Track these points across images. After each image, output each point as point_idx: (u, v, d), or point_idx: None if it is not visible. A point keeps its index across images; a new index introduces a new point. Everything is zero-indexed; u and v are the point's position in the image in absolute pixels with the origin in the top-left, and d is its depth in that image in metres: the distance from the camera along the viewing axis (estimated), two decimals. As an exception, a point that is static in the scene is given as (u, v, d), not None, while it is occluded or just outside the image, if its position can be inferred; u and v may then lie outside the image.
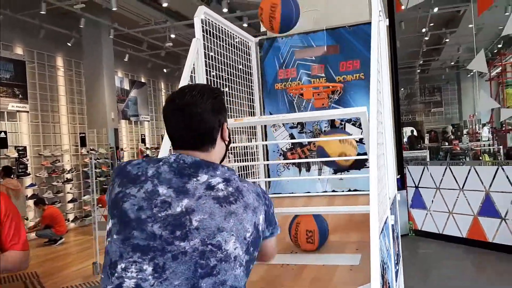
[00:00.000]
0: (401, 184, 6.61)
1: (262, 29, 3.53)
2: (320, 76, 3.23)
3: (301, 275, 2.13)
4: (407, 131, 17.38)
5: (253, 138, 3.24)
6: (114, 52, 11.15)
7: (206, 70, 2.51)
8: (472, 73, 20.59)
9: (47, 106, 10.17)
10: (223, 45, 2.81)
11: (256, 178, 3.17)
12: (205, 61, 2.51)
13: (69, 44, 10.63)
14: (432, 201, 6.43)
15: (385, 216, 2.06)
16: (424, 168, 6.62)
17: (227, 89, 2.91)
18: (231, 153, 2.87)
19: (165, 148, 1.98)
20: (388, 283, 1.87)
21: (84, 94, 11.01)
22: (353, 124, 3.17)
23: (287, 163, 3.27)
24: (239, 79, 3.08)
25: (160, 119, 15.49)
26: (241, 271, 1.13)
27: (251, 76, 3.24)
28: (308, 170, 3.26)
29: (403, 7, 7.35)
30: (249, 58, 3.25)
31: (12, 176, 8.11)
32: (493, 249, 5.56)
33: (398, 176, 6.09)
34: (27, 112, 9.53)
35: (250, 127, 3.20)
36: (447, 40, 14.83)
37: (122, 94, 13.06)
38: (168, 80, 15.95)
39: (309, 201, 3.05)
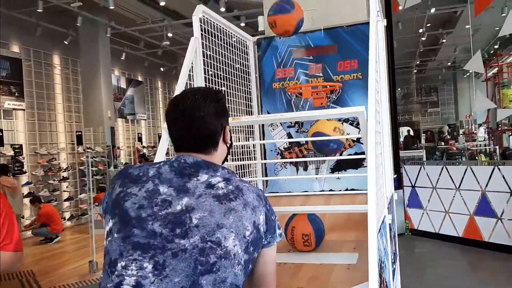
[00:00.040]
0: (398, 183, 6.63)
1: (260, 28, 3.54)
2: (318, 75, 3.24)
3: (298, 274, 2.13)
4: (403, 131, 17.43)
5: (250, 137, 3.25)
6: (111, 51, 11.13)
7: (204, 69, 2.51)
8: (468, 74, 20.70)
9: (44, 104, 10.14)
10: (221, 44, 2.81)
11: (253, 177, 3.18)
12: (203, 60, 2.52)
13: (66, 42, 10.60)
14: (429, 200, 6.45)
15: (383, 215, 2.07)
16: (420, 167, 6.64)
17: (225, 88, 2.91)
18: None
19: (162, 150, 1.98)
20: (386, 281, 1.88)
21: (81, 92, 10.98)
22: (351, 124, 3.18)
23: (284, 162, 3.28)
24: (237, 78, 3.08)
25: (156, 118, 15.48)
26: (239, 269, 1.13)
27: (249, 75, 3.25)
28: (305, 169, 3.27)
29: (400, 8, 7.37)
30: (247, 57, 3.25)
31: (8, 174, 8.08)
32: (489, 249, 5.59)
33: (395, 176, 6.10)
34: (23, 110, 9.50)
35: (247, 126, 3.20)
36: (443, 40, 14.88)
37: (119, 93, 13.04)
38: (165, 78, 15.93)
39: (306, 200, 3.05)
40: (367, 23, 3.04)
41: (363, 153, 3.02)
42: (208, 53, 2.61)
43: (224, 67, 2.88)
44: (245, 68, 3.21)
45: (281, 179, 3.23)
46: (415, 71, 21.18)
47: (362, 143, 3.09)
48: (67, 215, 10.30)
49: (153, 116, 15.19)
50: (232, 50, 3.04)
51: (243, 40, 3.21)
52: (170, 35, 11.22)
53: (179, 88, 2.22)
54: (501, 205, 5.53)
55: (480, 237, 5.76)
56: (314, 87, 3.12)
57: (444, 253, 5.81)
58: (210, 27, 2.62)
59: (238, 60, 3.10)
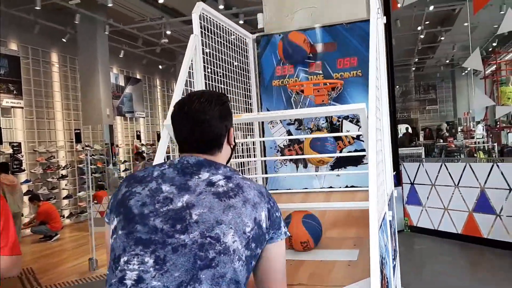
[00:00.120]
0: (397, 180, 6.64)
1: (259, 25, 3.54)
2: (318, 73, 3.24)
3: (299, 271, 2.14)
4: (401, 128, 17.45)
5: (248, 135, 3.24)
6: (109, 48, 11.10)
7: (204, 66, 2.51)
8: (466, 71, 20.70)
9: (42, 102, 10.13)
10: (220, 42, 2.81)
11: (253, 174, 3.18)
12: (203, 58, 2.51)
13: (64, 40, 10.57)
14: (428, 197, 6.47)
15: (383, 212, 2.07)
16: (419, 165, 6.66)
17: (224, 85, 2.91)
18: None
19: (162, 150, 1.98)
20: (387, 278, 1.89)
21: (79, 90, 10.95)
22: (350, 121, 3.18)
23: (284, 160, 3.28)
24: (236, 75, 3.08)
25: (155, 116, 15.46)
26: (240, 265, 1.14)
27: (248, 73, 3.25)
28: (305, 166, 3.27)
29: (399, 5, 7.37)
30: (247, 55, 3.25)
31: (8, 172, 8.08)
32: (487, 245, 5.61)
33: (394, 173, 6.11)
34: (22, 108, 9.48)
35: (247, 123, 3.20)
36: (442, 38, 14.89)
37: (117, 91, 13.02)
38: (163, 76, 15.91)
39: (306, 197, 3.06)
40: (367, 21, 3.05)
41: (362, 150, 3.03)
42: (208, 50, 2.61)
43: (224, 65, 2.88)
44: (245, 65, 3.20)
45: (281, 176, 3.23)
46: (414, 68, 21.19)
47: (362, 140, 3.10)
48: (66, 213, 10.30)
49: (151, 114, 15.17)
50: (232, 48, 3.03)
51: (243, 38, 3.20)
52: (168, 32, 11.20)
53: (179, 86, 2.22)
54: (500, 202, 5.54)
55: (479, 233, 5.78)
56: (315, 84, 3.11)
57: (443, 250, 5.82)
58: (209, 25, 2.62)
59: (237, 58, 3.09)
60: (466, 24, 10.75)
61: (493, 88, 10.83)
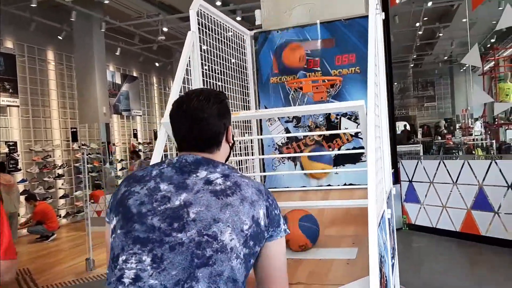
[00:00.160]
0: (395, 178, 6.63)
1: (257, 22, 3.51)
2: (316, 70, 3.21)
3: (298, 269, 2.12)
4: (400, 125, 17.45)
5: (246, 133, 3.22)
6: (105, 46, 11.04)
7: (202, 63, 2.48)
8: (465, 68, 20.72)
9: (38, 101, 10.07)
10: (218, 38, 2.78)
11: (251, 172, 3.15)
12: (201, 55, 2.49)
13: (60, 38, 10.51)
14: (426, 195, 6.46)
15: (382, 210, 2.05)
16: (417, 162, 6.65)
17: (222, 83, 2.88)
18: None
19: (159, 149, 1.96)
20: (385, 276, 1.87)
21: (75, 88, 10.90)
22: (349, 118, 3.16)
23: (282, 158, 3.25)
24: (234, 72, 3.05)
25: (152, 114, 15.42)
26: (238, 263, 1.13)
27: (246, 70, 3.22)
28: (303, 164, 3.25)
29: (397, 1, 7.36)
30: (244, 52, 3.22)
31: (5, 172, 8.04)
32: (486, 243, 5.60)
33: (392, 171, 6.11)
34: (18, 106, 9.43)
35: (245, 121, 3.18)
36: (440, 34, 14.87)
37: (114, 89, 12.97)
38: (160, 74, 15.86)
39: (304, 195, 3.04)
40: (365, 17, 3.03)
41: (361, 147, 3.01)
42: (205, 47, 2.58)
43: (221, 62, 2.85)
44: (242, 62, 3.18)
45: (279, 175, 3.21)
46: (412, 65, 21.19)
47: (360, 138, 3.08)
48: (62, 212, 10.26)
49: (148, 112, 15.13)
50: (229, 44, 3.01)
51: (240, 34, 3.17)
52: (165, 29, 11.15)
53: (176, 83, 2.19)
54: (498, 199, 5.53)
55: (477, 231, 5.77)
56: (314, 81, 3.09)
57: (441, 248, 5.82)
58: (207, 21, 2.59)
59: (235, 55, 3.06)
60: (464, 20, 10.73)
61: (491, 84, 10.82)
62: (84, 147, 9.96)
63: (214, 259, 1.11)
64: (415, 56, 19.42)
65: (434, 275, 4.82)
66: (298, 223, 2.24)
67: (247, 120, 3.19)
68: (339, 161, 3.14)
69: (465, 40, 11.86)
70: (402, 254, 4.71)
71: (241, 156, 3.03)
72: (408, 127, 18.57)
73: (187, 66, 2.32)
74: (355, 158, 3.09)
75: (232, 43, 3.06)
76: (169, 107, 2.09)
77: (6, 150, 8.86)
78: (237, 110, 3.00)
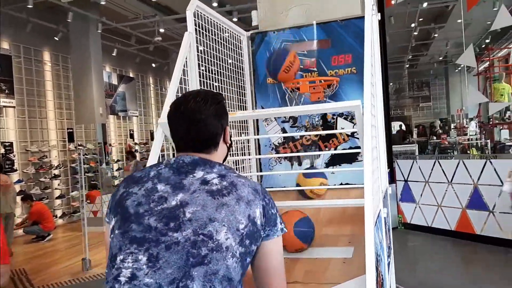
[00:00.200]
0: (391, 178, 6.66)
1: (254, 23, 3.52)
2: (312, 70, 3.23)
3: (294, 268, 2.13)
4: (395, 125, 17.51)
5: (243, 133, 3.23)
6: (102, 47, 11.02)
7: (198, 64, 2.49)
8: (460, 68, 20.80)
9: (34, 102, 10.05)
10: (215, 39, 2.79)
11: (248, 172, 3.17)
12: (197, 55, 2.50)
13: (56, 39, 10.49)
14: (421, 194, 6.50)
15: (378, 209, 2.07)
16: (413, 162, 6.68)
17: (219, 83, 2.89)
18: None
19: (156, 149, 1.97)
20: (382, 275, 1.89)
21: (72, 89, 10.88)
22: (345, 118, 3.18)
23: (279, 158, 3.27)
24: (231, 73, 3.07)
25: (148, 114, 15.40)
26: (233, 262, 1.14)
27: (242, 70, 3.23)
28: (300, 164, 3.27)
29: (393, 2, 7.39)
30: (241, 52, 3.24)
31: (1, 172, 8.00)
32: (481, 242, 5.64)
33: (388, 170, 6.14)
34: (14, 107, 9.41)
35: (241, 121, 3.19)
36: (435, 35, 14.93)
37: (110, 89, 12.95)
38: (156, 75, 15.84)
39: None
40: (361, 17, 3.05)
41: (357, 147, 3.03)
42: (202, 48, 2.59)
43: (218, 62, 2.86)
44: (239, 63, 3.19)
45: (275, 174, 3.23)
46: (407, 65, 21.24)
47: (356, 138, 3.10)
48: (58, 213, 10.24)
49: (145, 113, 15.10)
50: (226, 45, 3.02)
51: (237, 35, 3.19)
52: (162, 30, 11.14)
53: (173, 84, 2.20)
54: (493, 198, 5.57)
55: (472, 230, 5.81)
56: (311, 81, 3.11)
57: (436, 247, 5.85)
58: (203, 22, 2.61)
59: (232, 55, 3.08)
60: (459, 20, 10.78)
61: (486, 84, 10.88)
62: (80, 147, 9.94)
63: (209, 258, 1.12)
64: (410, 57, 19.48)
65: (429, 274, 4.85)
66: (293, 229, 2.22)
67: (244, 120, 3.21)
68: (335, 160, 3.16)
69: (460, 41, 11.91)
70: (398, 253, 4.73)
71: (238, 156, 3.04)
72: (403, 127, 18.64)
73: (184, 66, 2.33)
74: (351, 158, 3.11)
75: (229, 44, 3.07)
76: (166, 107, 2.11)
77: (2, 150, 8.83)
78: (234, 110, 3.01)
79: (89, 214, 8.72)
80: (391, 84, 21.00)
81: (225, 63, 2.95)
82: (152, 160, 1.93)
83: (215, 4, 9.16)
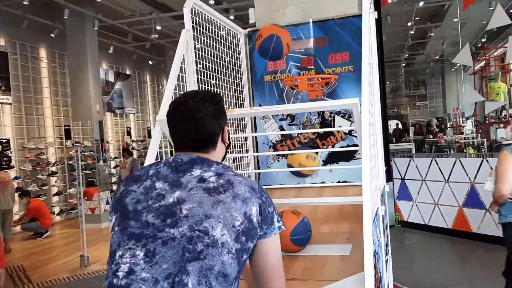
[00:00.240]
0: (388, 176, 6.67)
1: (251, 20, 3.52)
2: (310, 68, 3.24)
3: (293, 266, 2.14)
4: (392, 124, 17.55)
5: (240, 131, 3.24)
6: (98, 44, 10.98)
7: (196, 61, 2.50)
8: (456, 67, 20.85)
9: (31, 98, 10.01)
10: (212, 37, 2.79)
11: (246, 170, 3.17)
12: (195, 53, 2.50)
13: (52, 35, 10.45)
14: (418, 192, 6.52)
15: (376, 207, 2.08)
16: (410, 160, 6.70)
17: (216, 81, 2.89)
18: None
19: (154, 147, 1.97)
20: (380, 272, 1.90)
21: (68, 86, 10.85)
22: (342, 116, 3.20)
23: (277, 155, 3.28)
24: (228, 71, 3.07)
25: (145, 112, 15.37)
26: (229, 257, 1.16)
27: (240, 68, 3.24)
28: (297, 162, 3.27)
29: (389, 1, 7.39)
30: (238, 50, 3.24)
31: (0, 169, 8.00)
32: (477, 240, 5.66)
33: (385, 169, 6.16)
34: (10, 104, 9.37)
35: (239, 119, 3.20)
36: (432, 34, 14.95)
37: (107, 86, 12.92)
38: (153, 72, 15.81)
39: (299, 192, 3.07)
40: (359, 16, 3.06)
41: (355, 145, 3.04)
42: (199, 45, 2.59)
43: (216, 60, 2.87)
44: (236, 60, 3.19)
45: (273, 172, 3.23)
46: (404, 64, 21.28)
47: (353, 136, 3.11)
48: (56, 209, 10.22)
49: (142, 110, 15.08)
50: (223, 43, 3.02)
51: (234, 33, 3.19)
52: (158, 28, 11.11)
53: (171, 81, 2.20)
54: (489, 197, 5.55)
55: (469, 228, 5.83)
56: (310, 79, 3.12)
57: (433, 245, 5.88)
58: (201, 19, 2.61)
59: (229, 53, 3.08)
60: (455, 20, 10.80)
61: (482, 84, 10.90)
62: (77, 144, 9.91)
63: (205, 253, 1.13)
64: (407, 56, 19.51)
65: (426, 272, 4.87)
66: (289, 237, 2.19)
67: (242, 118, 3.21)
68: (333, 158, 3.18)
69: (456, 40, 11.94)
70: (395, 251, 4.75)
71: (236, 153, 3.04)
72: (400, 126, 18.69)
73: (182, 64, 2.33)
74: (349, 156, 3.12)
75: (226, 42, 3.07)
76: (164, 104, 2.12)
77: (-1, 147, 8.81)
78: (231, 108, 3.02)
79: (87, 211, 8.71)
80: (387, 83, 21.03)
81: (222, 61, 2.96)
82: (150, 157, 1.94)
83: (211, 2, 9.14)
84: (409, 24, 13.22)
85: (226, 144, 1.41)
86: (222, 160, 1.41)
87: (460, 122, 16.05)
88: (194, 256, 1.13)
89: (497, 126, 11.35)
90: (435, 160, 6.31)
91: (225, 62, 3.01)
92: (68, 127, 10.46)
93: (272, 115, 3.26)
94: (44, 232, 8.29)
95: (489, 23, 6.80)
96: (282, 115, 3.25)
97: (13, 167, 9.16)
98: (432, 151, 11.81)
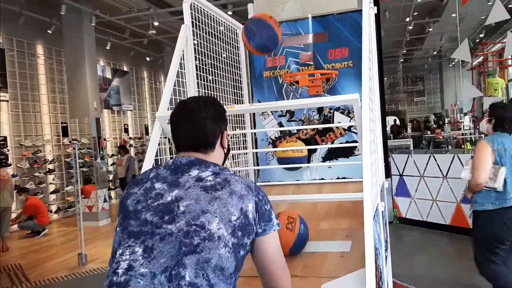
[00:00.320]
0: (386, 172, 6.66)
1: (250, 16, 3.50)
2: (309, 64, 3.22)
3: (293, 263, 2.13)
4: (389, 120, 17.57)
5: (237, 127, 3.22)
6: (95, 40, 10.93)
7: (195, 57, 2.48)
8: (454, 63, 20.86)
9: (28, 95, 9.96)
10: (211, 32, 2.77)
11: (245, 166, 3.16)
12: (194, 48, 2.48)
13: (49, 32, 10.38)
14: (416, 189, 6.52)
15: (376, 203, 2.07)
16: (408, 156, 6.70)
17: (215, 77, 2.88)
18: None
19: (153, 144, 1.96)
20: (380, 268, 1.89)
21: (66, 83, 10.80)
22: (342, 112, 3.18)
23: (276, 152, 3.26)
24: (227, 66, 3.05)
25: (143, 109, 15.33)
26: (226, 251, 1.18)
27: (239, 64, 3.22)
28: (296, 158, 3.26)
29: (388, -4, 7.36)
30: (237, 46, 3.22)
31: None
32: (475, 236, 5.66)
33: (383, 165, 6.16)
34: (7, 101, 9.32)
35: (238, 115, 3.18)
36: (430, 29, 14.95)
37: (104, 83, 12.86)
38: (151, 68, 15.75)
39: (298, 189, 3.05)
40: (358, 11, 3.04)
41: (354, 141, 3.03)
42: (197, 41, 2.57)
43: (215, 55, 2.85)
44: (236, 56, 3.18)
45: (272, 169, 3.22)
46: (402, 60, 21.28)
47: (353, 132, 3.10)
48: (53, 207, 10.19)
49: (139, 107, 15.03)
50: (222, 38, 3.00)
51: (233, 28, 3.17)
52: (156, 24, 11.06)
53: (170, 76, 2.19)
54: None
55: (467, 224, 5.83)
56: (310, 74, 3.10)
57: (432, 241, 5.88)
58: (200, 15, 2.59)
59: (228, 48, 3.06)
60: (454, 15, 10.81)
61: (480, 79, 10.90)
62: (75, 142, 9.89)
63: (201, 247, 1.16)
64: (405, 51, 19.51)
65: (425, 267, 4.88)
66: (289, 250, 2.12)
67: (241, 114, 3.20)
68: (332, 155, 3.17)
69: (454, 35, 11.94)
70: (393, 247, 4.74)
71: (235, 150, 3.03)
72: (397, 122, 18.71)
73: (181, 60, 2.32)
74: (348, 152, 3.11)
75: (225, 37, 3.05)
76: (163, 100, 2.10)
77: (-4, 145, 8.77)
78: (231, 104, 3.00)
79: (85, 209, 8.69)
80: (385, 78, 21.04)
81: (221, 56, 2.94)
82: (150, 153, 1.93)
83: (210, -3, 9.09)
84: (407, 19, 13.21)
85: (225, 150, 1.46)
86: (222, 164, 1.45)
87: (458, 118, 16.08)
88: (191, 250, 1.15)
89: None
90: (433, 156, 6.31)
91: (224, 58, 3.00)
92: (65, 124, 10.43)
93: (271, 112, 3.25)
94: (41, 231, 8.27)
95: (488, 18, 6.79)
96: (281, 111, 3.23)
97: (10, 164, 9.12)
98: (430, 147, 11.81)
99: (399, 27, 14.31)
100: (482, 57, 11.12)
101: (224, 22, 2.97)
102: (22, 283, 5.44)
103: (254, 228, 1.27)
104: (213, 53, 2.84)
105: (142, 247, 1.18)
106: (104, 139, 11.93)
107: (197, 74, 2.50)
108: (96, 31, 10.99)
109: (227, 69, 3.05)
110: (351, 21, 3.12)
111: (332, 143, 3.14)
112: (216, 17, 2.81)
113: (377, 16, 6.35)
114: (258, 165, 3.28)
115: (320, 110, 3.18)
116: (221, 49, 2.96)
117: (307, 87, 3.06)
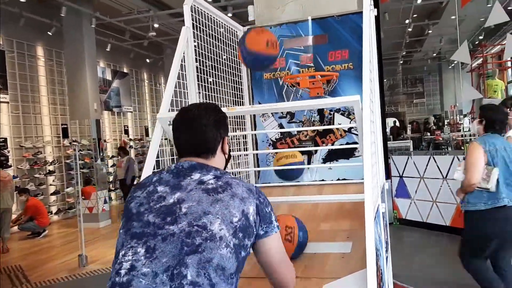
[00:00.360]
0: (386, 173, 6.67)
1: (250, 18, 3.52)
2: (309, 66, 3.23)
3: (294, 264, 2.11)
4: (389, 122, 17.57)
5: (238, 129, 3.23)
6: (96, 42, 10.94)
7: (196, 59, 2.49)
8: (453, 65, 20.88)
9: (28, 97, 9.97)
10: (212, 34, 2.78)
11: (245, 168, 3.17)
12: (195, 50, 2.49)
13: (49, 33, 10.39)
14: (416, 190, 6.52)
15: (377, 204, 2.08)
16: (408, 158, 6.70)
17: (216, 78, 2.89)
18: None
19: (154, 145, 1.96)
20: (381, 269, 1.90)
21: (66, 84, 10.81)
22: (342, 114, 3.19)
23: (276, 153, 3.27)
24: (227, 68, 3.06)
25: (143, 110, 15.34)
26: (228, 251, 1.20)
27: (239, 66, 3.23)
28: (297, 159, 3.27)
29: (387, -2, 7.37)
30: (237, 47, 3.23)
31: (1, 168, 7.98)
32: (475, 237, 5.66)
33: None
34: (7, 103, 9.33)
35: (239, 117, 3.19)
36: (429, 31, 14.97)
37: (104, 85, 12.87)
38: (151, 70, 15.76)
39: (298, 190, 3.06)
40: (358, 13, 3.05)
41: (354, 143, 3.04)
42: (198, 43, 2.58)
43: (215, 57, 2.86)
44: (236, 58, 3.18)
45: (273, 170, 3.22)
46: (401, 62, 21.31)
47: (353, 133, 3.11)
48: (53, 209, 10.19)
49: (139, 109, 15.03)
50: (223, 40, 3.01)
51: (234, 30, 3.18)
52: (156, 25, 11.08)
53: (171, 78, 2.20)
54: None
55: (467, 225, 5.84)
56: (311, 76, 3.11)
57: (432, 242, 5.89)
58: (200, 17, 2.60)
59: (229, 50, 3.07)
60: (453, 17, 10.82)
61: (480, 81, 10.92)
62: (75, 143, 9.89)
63: (203, 247, 1.18)
64: (404, 53, 19.54)
65: (425, 268, 4.88)
66: (290, 256, 2.13)
67: (241, 116, 3.21)
68: (332, 156, 3.17)
69: (454, 37, 11.97)
70: (393, 248, 4.75)
71: (235, 151, 3.04)
72: (397, 124, 18.73)
73: (182, 61, 2.32)
74: (349, 154, 3.12)
75: (225, 39, 3.06)
76: (164, 102, 2.11)
77: (-4, 146, 8.77)
78: (231, 106, 3.01)
79: (85, 210, 8.69)
80: (385, 80, 21.06)
81: (222, 58, 2.95)
82: (151, 154, 1.94)
83: (210, -1, 9.11)
84: (407, 21, 13.23)
85: (226, 156, 1.48)
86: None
87: (457, 120, 16.08)
88: (193, 249, 1.17)
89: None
90: (433, 158, 6.32)
91: (224, 60, 3.01)
92: (65, 126, 10.44)
93: (272, 113, 3.26)
94: (41, 232, 8.28)
95: (487, 20, 6.80)
96: (282, 113, 3.24)
97: (10, 166, 9.12)
98: (429, 148, 11.82)
99: (399, 29, 14.34)
100: (482, 59, 11.14)
101: (224, 24, 2.98)
102: (22, 284, 5.45)
103: (255, 230, 1.30)
104: (213, 55, 2.85)
105: (144, 247, 1.20)
106: (104, 141, 11.94)
107: (197, 75, 2.51)
108: (96, 32, 11.00)
109: (228, 70, 3.06)
110: (351, 23, 3.12)
111: (333, 144, 3.15)
112: (216, 19, 2.82)
113: (377, 18, 6.38)
114: (258, 166, 3.29)
115: (320, 111, 3.19)
116: (221, 51, 2.97)
117: (308, 88, 3.06)
